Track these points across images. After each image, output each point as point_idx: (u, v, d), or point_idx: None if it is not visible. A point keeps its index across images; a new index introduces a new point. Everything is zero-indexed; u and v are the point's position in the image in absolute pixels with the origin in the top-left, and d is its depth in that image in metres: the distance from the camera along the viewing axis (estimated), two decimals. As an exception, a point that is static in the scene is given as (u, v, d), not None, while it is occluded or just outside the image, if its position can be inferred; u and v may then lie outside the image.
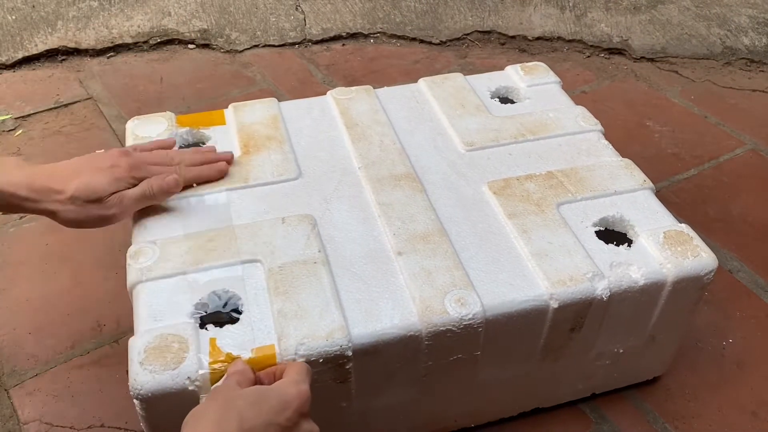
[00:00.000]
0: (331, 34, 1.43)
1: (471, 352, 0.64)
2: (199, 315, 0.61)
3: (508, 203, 0.72)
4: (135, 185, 0.68)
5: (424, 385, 0.66)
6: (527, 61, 0.97)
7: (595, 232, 0.70)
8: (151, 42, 1.39)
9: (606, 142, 0.81)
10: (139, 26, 1.41)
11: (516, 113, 0.86)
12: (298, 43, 1.41)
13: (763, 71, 1.37)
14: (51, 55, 1.34)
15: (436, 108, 0.86)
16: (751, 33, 1.45)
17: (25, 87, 1.27)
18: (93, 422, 0.75)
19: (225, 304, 0.63)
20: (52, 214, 0.66)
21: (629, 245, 0.69)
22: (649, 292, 0.67)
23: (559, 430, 0.76)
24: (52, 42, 1.36)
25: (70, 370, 0.80)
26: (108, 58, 1.35)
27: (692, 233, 0.69)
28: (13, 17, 1.42)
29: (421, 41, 1.43)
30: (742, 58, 1.40)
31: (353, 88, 0.89)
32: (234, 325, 0.60)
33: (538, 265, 0.65)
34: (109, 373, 0.79)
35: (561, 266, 0.65)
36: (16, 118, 1.19)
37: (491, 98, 0.89)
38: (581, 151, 0.80)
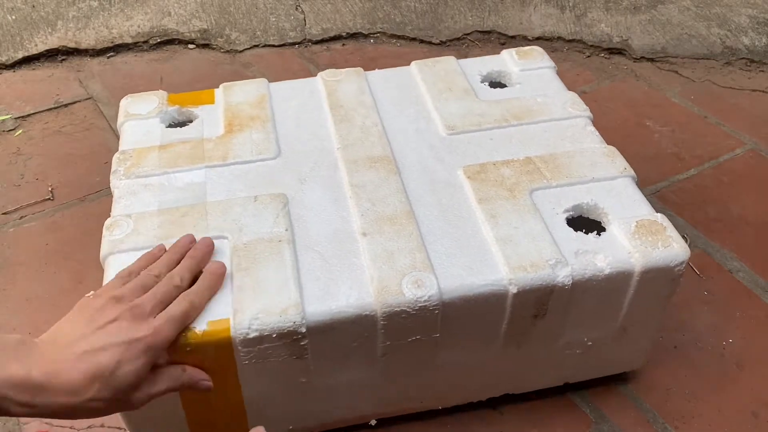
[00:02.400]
0: (331, 34, 1.43)
1: (429, 334, 0.64)
2: None
3: (480, 188, 0.72)
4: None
5: (384, 364, 0.66)
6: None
7: (568, 219, 0.69)
8: (151, 42, 1.39)
9: (592, 129, 0.80)
10: (139, 26, 1.41)
11: (503, 98, 0.85)
12: (298, 43, 1.41)
13: (763, 71, 1.37)
14: (51, 55, 1.34)
15: (423, 91, 0.86)
16: (751, 33, 1.45)
17: (25, 87, 1.27)
18: (93, 422, 0.75)
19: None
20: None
21: (599, 233, 0.68)
22: (616, 281, 0.66)
23: (558, 429, 0.76)
24: (52, 42, 1.36)
25: (70, 370, 0.80)
26: (108, 58, 1.36)
27: (667, 223, 0.68)
28: (13, 17, 1.42)
29: (421, 41, 1.43)
30: (742, 58, 1.40)
31: (343, 70, 0.89)
32: None
33: (501, 251, 0.65)
34: (109, 373, 0.79)
35: (524, 252, 0.65)
36: (16, 118, 1.19)
37: (481, 82, 0.88)
38: (565, 138, 0.79)
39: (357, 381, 0.67)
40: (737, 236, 1.00)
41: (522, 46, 0.95)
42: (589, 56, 1.40)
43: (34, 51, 1.34)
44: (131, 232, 0.67)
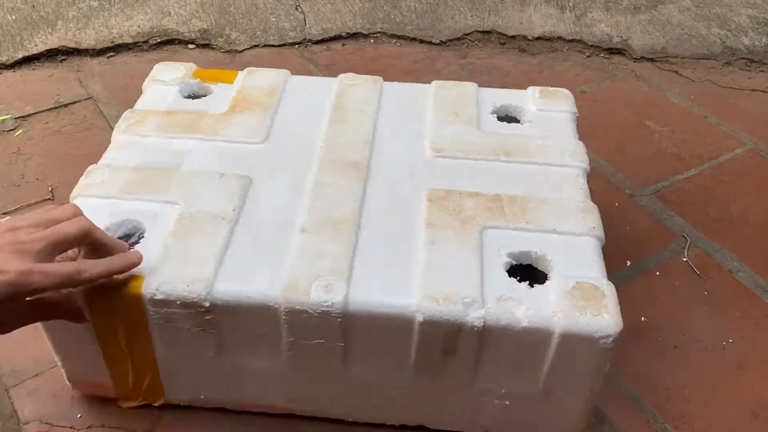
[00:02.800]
0: (331, 34, 1.43)
1: (332, 341, 0.64)
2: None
3: (435, 213, 0.71)
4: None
5: (292, 360, 0.67)
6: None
7: (513, 264, 0.67)
8: (151, 42, 1.39)
9: (582, 182, 0.77)
10: (139, 26, 1.41)
11: (505, 132, 0.83)
12: (298, 43, 1.41)
13: (763, 71, 1.37)
14: (51, 55, 1.34)
15: (429, 110, 0.86)
16: (751, 33, 1.45)
17: (25, 87, 1.27)
18: (93, 422, 0.75)
19: (133, 233, 0.69)
20: None
21: (531, 285, 0.64)
22: (534, 337, 0.62)
23: (559, 430, 0.76)
24: (52, 42, 1.36)
25: (70, 370, 0.80)
26: (108, 58, 1.36)
27: (610, 293, 0.63)
28: (13, 17, 1.42)
29: (421, 41, 1.43)
30: (742, 58, 1.40)
31: (364, 76, 0.92)
32: None
33: (424, 277, 0.64)
34: (109, 373, 0.79)
35: (443, 284, 0.63)
36: (16, 118, 1.19)
37: (491, 113, 0.86)
38: (548, 183, 0.76)
39: (265, 370, 0.69)
40: (737, 236, 1.00)
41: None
42: (589, 56, 1.41)
43: (34, 51, 1.34)
44: (103, 181, 0.72)
